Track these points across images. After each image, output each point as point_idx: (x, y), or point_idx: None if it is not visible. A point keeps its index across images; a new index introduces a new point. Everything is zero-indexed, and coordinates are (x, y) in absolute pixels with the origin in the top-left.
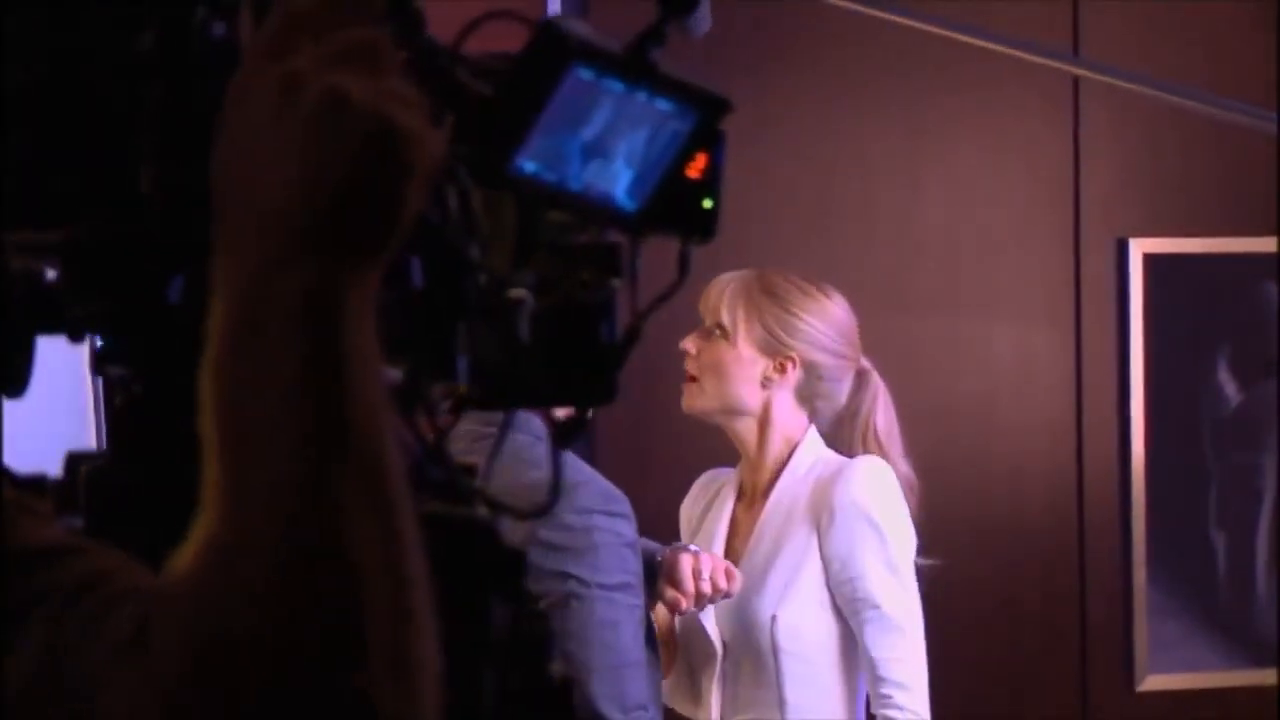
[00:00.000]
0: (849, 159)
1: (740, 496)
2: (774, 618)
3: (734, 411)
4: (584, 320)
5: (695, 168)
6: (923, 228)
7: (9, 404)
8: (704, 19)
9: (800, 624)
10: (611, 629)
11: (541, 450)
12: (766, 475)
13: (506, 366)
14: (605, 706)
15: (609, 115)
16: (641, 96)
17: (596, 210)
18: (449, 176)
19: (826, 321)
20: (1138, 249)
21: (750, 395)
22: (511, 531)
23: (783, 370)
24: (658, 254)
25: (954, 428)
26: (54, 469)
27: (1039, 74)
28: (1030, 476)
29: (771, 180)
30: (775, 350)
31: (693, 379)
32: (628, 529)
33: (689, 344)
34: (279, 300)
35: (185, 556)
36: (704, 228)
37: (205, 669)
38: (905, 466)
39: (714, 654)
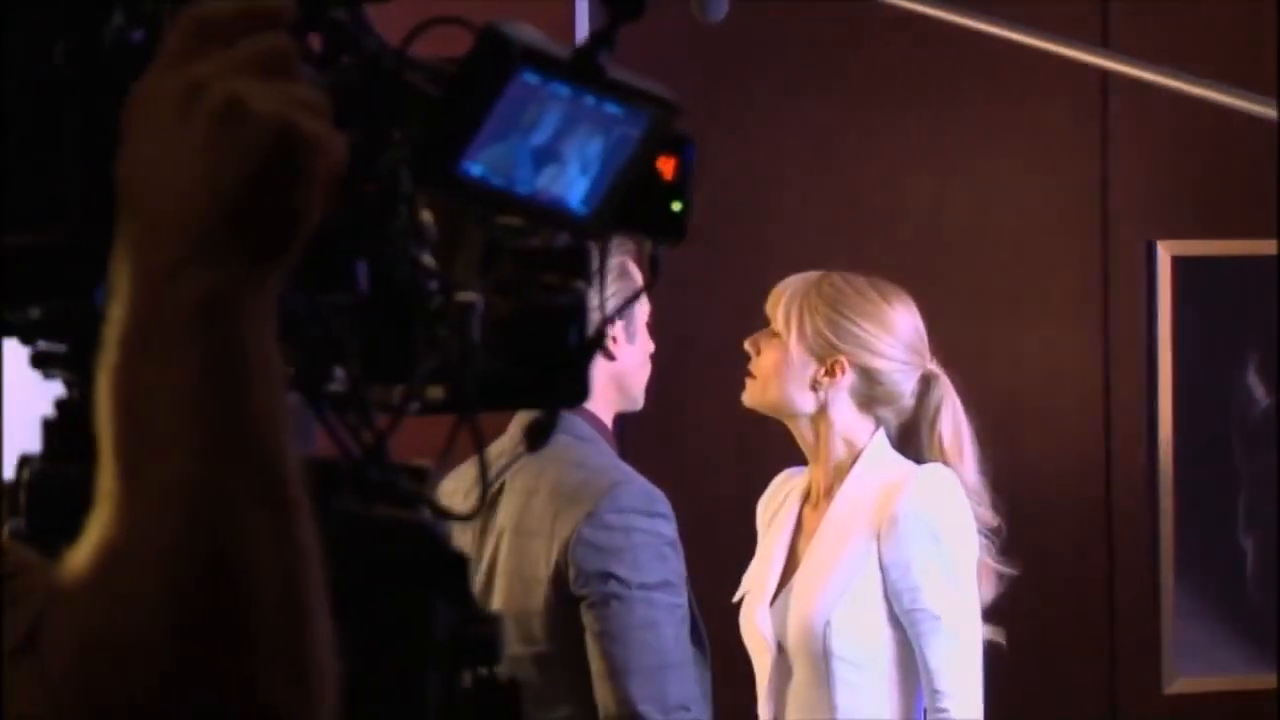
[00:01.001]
0: (877, 160)
1: (807, 497)
2: (828, 622)
3: (786, 412)
4: (552, 323)
5: (665, 170)
6: (951, 230)
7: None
8: (721, 3)
9: (854, 630)
10: (651, 629)
11: (584, 451)
12: (829, 478)
13: (475, 369)
14: (645, 708)
15: (558, 120)
16: (590, 101)
17: (548, 215)
18: (393, 179)
19: (883, 326)
20: (1166, 251)
21: (801, 397)
22: (559, 532)
23: (832, 374)
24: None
25: (981, 430)
26: None
27: (1068, 76)
28: (1058, 478)
29: (798, 181)
30: (825, 354)
31: (752, 376)
32: (667, 529)
33: (749, 344)
34: (177, 305)
35: (79, 557)
36: (674, 230)
37: (94, 671)
38: (973, 477)
39: (767, 653)
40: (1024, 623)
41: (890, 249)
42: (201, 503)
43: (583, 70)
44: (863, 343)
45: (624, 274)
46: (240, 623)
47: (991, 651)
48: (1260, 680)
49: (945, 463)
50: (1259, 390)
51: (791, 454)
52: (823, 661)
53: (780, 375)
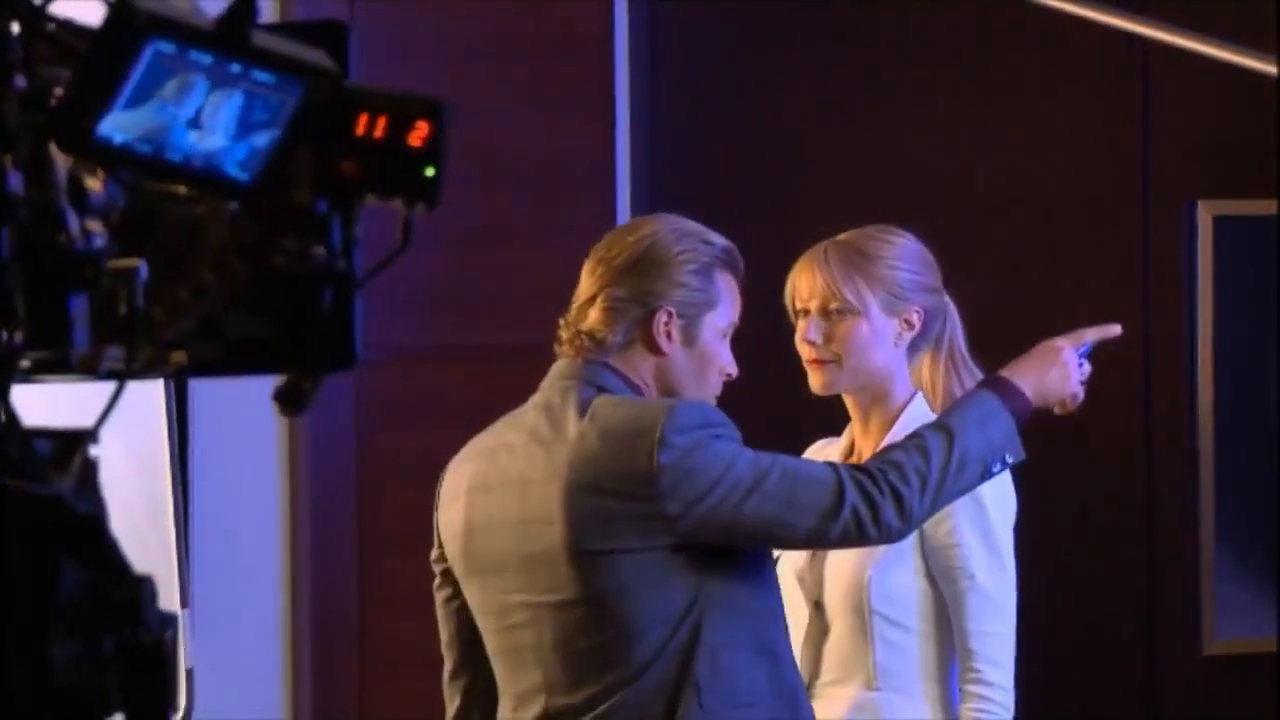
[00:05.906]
0: (916, 123)
1: (846, 458)
2: (869, 578)
3: (874, 381)
4: (299, 288)
5: (417, 136)
6: (991, 190)
7: (215, 447)
8: None
9: (894, 587)
10: (759, 494)
11: (625, 397)
12: (873, 439)
13: (143, 333)
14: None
15: (202, 88)
16: (235, 69)
17: (205, 181)
18: (9, 143)
19: (920, 262)
20: (1206, 211)
21: (888, 361)
22: (629, 455)
23: (910, 326)
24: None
25: None
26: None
27: (1108, 36)
28: (1097, 441)
29: (837, 141)
30: (898, 309)
31: (825, 362)
32: (729, 433)
33: (814, 334)
34: None
35: None
36: (427, 195)
37: None
38: (979, 371)
39: (804, 611)
40: (1064, 584)
41: (930, 210)
42: None
43: (225, 39)
44: (921, 285)
45: (703, 271)
46: None
47: (1031, 613)
48: None
49: (966, 372)
50: None
51: (823, 426)
52: (862, 617)
53: (869, 347)
